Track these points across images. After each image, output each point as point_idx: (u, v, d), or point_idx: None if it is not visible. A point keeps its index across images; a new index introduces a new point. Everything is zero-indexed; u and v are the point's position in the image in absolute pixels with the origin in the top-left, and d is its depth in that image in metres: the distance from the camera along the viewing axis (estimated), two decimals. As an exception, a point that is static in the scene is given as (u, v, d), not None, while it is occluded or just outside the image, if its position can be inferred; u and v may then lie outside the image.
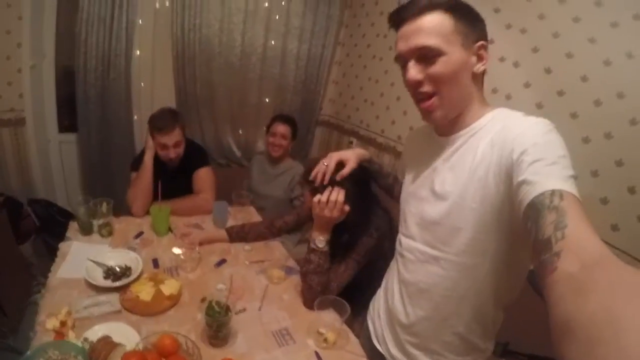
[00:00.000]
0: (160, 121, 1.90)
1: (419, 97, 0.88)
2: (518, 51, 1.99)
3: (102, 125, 2.91)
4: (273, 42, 3.19)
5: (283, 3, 3.12)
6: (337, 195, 1.23)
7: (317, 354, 1.18)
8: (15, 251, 2.47)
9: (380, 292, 1.22)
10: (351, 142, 3.30)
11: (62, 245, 1.63)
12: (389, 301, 1.11)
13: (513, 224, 0.77)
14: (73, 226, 1.77)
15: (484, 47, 0.85)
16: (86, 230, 1.73)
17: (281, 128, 2.49)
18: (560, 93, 1.82)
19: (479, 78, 0.88)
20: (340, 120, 3.54)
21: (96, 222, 1.73)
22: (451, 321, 0.96)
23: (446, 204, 0.89)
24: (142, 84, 2.98)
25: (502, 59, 2.05)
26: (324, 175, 1.23)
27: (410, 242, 1.02)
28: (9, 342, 1.95)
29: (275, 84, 3.34)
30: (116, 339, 1.10)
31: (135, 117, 3.00)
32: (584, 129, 1.73)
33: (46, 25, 2.73)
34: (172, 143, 1.92)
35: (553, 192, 0.60)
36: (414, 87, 0.87)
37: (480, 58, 0.85)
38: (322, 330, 1.22)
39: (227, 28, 3.01)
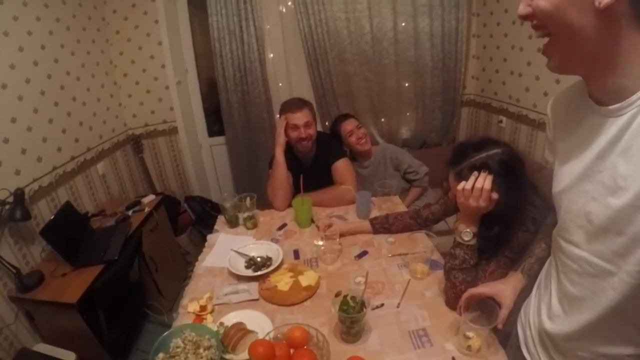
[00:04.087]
0: (289, 103, 2.04)
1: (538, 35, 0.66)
2: None
3: (246, 127, 3.15)
4: (403, 24, 3.00)
5: (405, -18, 2.89)
6: (484, 181, 1.05)
7: (454, 360, 1.02)
8: (173, 242, 2.84)
9: (533, 297, 0.98)
10: (501, 122, 2.90)
11: (210, 237, 1.76)
12: (542, 311, 0.90)
13: None
14: (221, 219, 1.91)
15: None
16: (232, 223, 1.84)
17: (351, 122, 2.42)
18: None
19: (621, 16, 0.55)
20: (486, 98, 3.15)
21: (241, 216, 1.83)
22: (613, 342, 0.75)
23: (623, 204, 0.62)
24: (280, 84, 3.12)
25: None
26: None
27: (573, 250, 0.76)
28: (165, 319, 2.28)
29: (412, 66, 3.12)
30: (250, 326, 1.12)
31: (277, 117, 3.12)
32: None
33: (184, 46, 3.11)
34: (302, 123, 1.95)
35: None
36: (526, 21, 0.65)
37: None
38: (469, 334, 1.04)
39: (354, 17, 2.93)
